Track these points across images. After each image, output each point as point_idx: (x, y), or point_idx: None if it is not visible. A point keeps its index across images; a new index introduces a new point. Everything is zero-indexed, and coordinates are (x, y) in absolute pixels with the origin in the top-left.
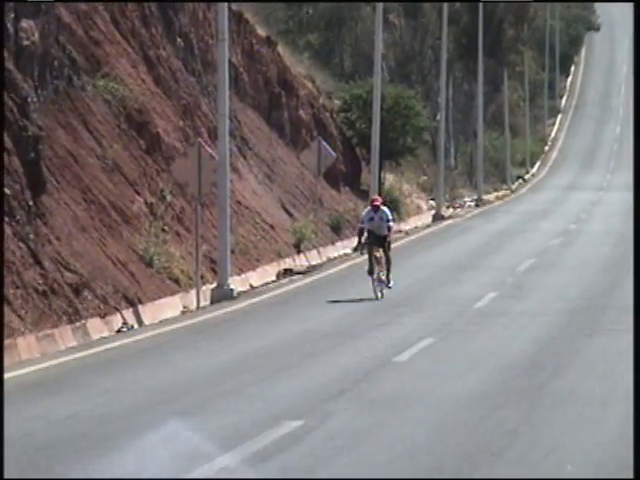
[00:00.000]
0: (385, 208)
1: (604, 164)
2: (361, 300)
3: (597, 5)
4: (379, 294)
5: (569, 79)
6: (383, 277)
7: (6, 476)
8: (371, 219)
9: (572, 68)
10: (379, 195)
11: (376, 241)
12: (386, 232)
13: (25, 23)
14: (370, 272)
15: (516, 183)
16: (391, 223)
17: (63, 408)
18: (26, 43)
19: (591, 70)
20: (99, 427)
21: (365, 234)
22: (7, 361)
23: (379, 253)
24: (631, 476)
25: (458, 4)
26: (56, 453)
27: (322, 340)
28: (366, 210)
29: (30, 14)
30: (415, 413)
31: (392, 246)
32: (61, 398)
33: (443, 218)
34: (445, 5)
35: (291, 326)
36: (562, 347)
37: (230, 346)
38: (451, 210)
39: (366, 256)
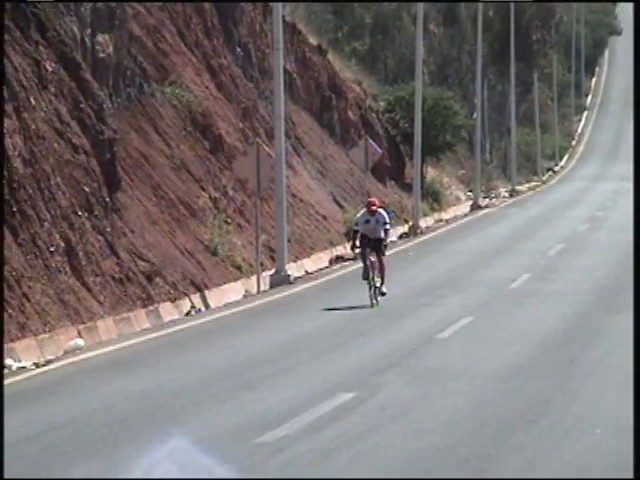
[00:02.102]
0: (382, 211)
1: (627, 156)
2: (405, 284)
3: (618, 11)
4: (374, 301)
5: (594, 79)
6: (378, 283)
7: (102, 437)
8: (367, 222)
9: (596, 69)
10: (373, 199)
11: (371, 245)
12: (382, 235)
13: (100, 37)
14: (365, 277)
15: (546, 175)
16: (388, 226)
17: (138, 384)
18: (102, 55)
19: (614, 70)
20: (172, 400)
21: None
22: (89, 341)
23: (373, 257)
24: (631, 476)
25: (491, 13)
26: (133, 424)
27: (371, 320)
28: (361, 212)
29: (105, 29)
30: (457, 385)
31: (432, 234)
32: (136, 375)
33: (480, 208)
34: (480, 14)
35: (342, 308)
36: (591, 323)
37: (288, 327)
38: (487, 200)
39: (367, 263)
